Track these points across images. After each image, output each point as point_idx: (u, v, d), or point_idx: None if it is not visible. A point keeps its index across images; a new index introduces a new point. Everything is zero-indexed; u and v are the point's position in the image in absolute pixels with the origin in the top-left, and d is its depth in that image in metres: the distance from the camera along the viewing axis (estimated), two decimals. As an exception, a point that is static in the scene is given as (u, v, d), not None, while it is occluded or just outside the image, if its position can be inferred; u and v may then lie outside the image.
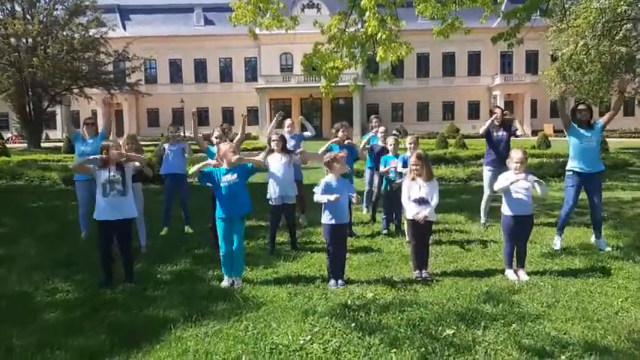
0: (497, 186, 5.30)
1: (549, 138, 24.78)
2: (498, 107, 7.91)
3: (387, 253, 6.16)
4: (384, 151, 7.45)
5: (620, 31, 23.53)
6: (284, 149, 6.35)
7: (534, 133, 36.26)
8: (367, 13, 8.57)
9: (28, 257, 6.26)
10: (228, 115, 46.89)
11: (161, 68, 49.11)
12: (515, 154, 5.16)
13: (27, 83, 30.14)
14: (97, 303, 4.61)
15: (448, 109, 48.69)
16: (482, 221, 7.58)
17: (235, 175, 5.00)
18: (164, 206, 7.69)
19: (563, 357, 3.43)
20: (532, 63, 46.83)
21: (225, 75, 49.19)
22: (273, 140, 6.31)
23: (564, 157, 14.89)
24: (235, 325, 4.04)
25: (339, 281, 5.00)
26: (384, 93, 44.18)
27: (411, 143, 6.84)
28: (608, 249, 6.06)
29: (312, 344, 3.68)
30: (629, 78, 28.61)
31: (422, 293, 4.70)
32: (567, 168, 6.34)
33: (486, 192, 7.48)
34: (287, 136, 7.38)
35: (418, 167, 5.20)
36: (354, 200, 5.08)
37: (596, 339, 3.69)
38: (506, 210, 5.22)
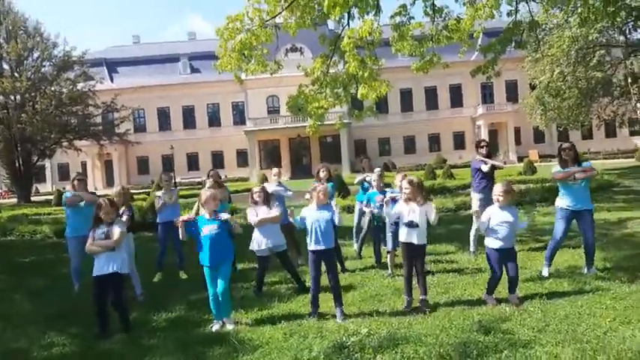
0: (480, 226, 5.47)
1: (534, 164, 25.20)
2: (484, 140, 8.19)
3: (379, 287, 6.22)
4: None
5: (593, 57, 24.40)
6: (267, 200, 6.32)
7: (520, 159, 36.84)
8: (347, 54, 8.92)
9: (22, 313, 6.23)
10: (218, 159, 47.39)
11: (150, 117, 49.54)
12: (496, 188, 5.38)
13: (16, 139, 30.15)
14: (93, 355, 4.60)
15: (434, 141, 49.42)
16: (472, 250, 7.69)
17: (216, 226, 5.12)
18: (158, 253, 7.75)
19: (555, 380, 3.49)
20: (512, 92, 47.99)
21: (214, 120, 49.65)
22: (255, 192, 6.32)
23: (550, 182, 15.21)
24: (232, 369, 4.05)
25: (339, 313, 5.10)
26: (370, 129, 44.95)
27: (401, 181, 6.94)
28: (595, 271, 6.17)
29: (308, 383, 3.70)
30: (607, 101, 29.47)
31: (415, 326, 4.75)
32: (556, 204, 6.38)
33: (476, 221, 7.63)
34: (273, 185, 7.61)
35: (408, 191, 5.38)
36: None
37: (586, 360, 3.76)
38: (488, 243, 5.37)
